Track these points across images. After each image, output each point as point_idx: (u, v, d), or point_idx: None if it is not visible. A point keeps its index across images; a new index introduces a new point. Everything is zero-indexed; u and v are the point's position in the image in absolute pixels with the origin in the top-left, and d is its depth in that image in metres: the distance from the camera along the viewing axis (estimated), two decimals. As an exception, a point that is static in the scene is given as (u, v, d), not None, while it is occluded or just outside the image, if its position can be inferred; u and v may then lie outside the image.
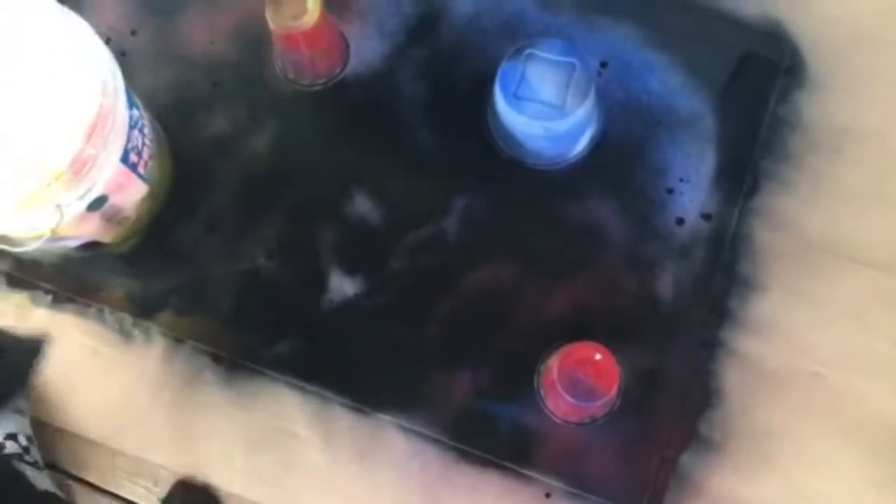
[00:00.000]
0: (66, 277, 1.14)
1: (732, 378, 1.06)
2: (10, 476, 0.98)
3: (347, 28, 1.19)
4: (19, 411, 1.07)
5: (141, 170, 1.05)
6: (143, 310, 1.13)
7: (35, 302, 1.14)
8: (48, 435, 1.09)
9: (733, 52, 1.17)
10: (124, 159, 1.00)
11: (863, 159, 1.12)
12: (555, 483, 1.05)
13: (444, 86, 1.18)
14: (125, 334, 1.12)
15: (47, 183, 0.89)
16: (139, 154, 1.04)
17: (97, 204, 1.01)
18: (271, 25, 1.08)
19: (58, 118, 0.90)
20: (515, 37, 1.15)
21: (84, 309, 1.13)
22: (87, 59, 0.93)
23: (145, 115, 1.07)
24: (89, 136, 0.90)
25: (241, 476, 1.07)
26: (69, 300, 1.14)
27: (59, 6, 0.95)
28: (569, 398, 0.95)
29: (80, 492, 1.08)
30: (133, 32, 1.22)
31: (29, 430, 1.06)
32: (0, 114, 0.90)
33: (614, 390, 0.96)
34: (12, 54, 0.91)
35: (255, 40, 1.20)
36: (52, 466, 1.08)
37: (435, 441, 1.07)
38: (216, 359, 1.11)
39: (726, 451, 1.04)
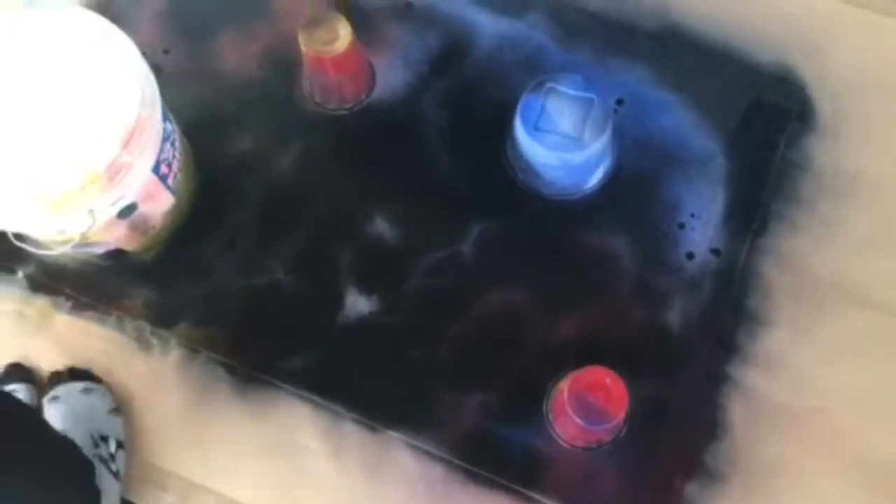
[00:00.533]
0: (87, 284, 1.17)
1: (738, 411, 1.08)
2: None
3: (375, 57, 1.24)
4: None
5: (170, 181, 1.09)
6: (162, 319, 1.15)
7: (56, 307, 1.16)
8: (62, 437, 1.11)
9: (746, 96, 1.21)
10: (156, 169, 1.03)
11: (871, 205, 1.15)
12: (559, 507, 1.06)
13: (465, 115, 1.22)
14: (143, 342, 1.14)
15: (83, 186, 0.92)
16: (169, 166, 1.07)
17: (127, 211, 1.04)
18: (304, 49, 1.13)
19: (99, 123, 0.93)
20: (535, 72, 1.19)
21: (104, 316, 1.16)
22: (128, 70, 0.97)
23: (176, 129, 1.11)
24: (127, 142, 0.94)
25: (251, 486, 1.08)
26: (90, 307, 1.16)
27: (104, 20, 0.99)
28: (578, 420, 0.97)
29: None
30: (166, 51, 1.27)
31: None
32: (46, 115, 0.94)
33: (623, 414, 0.98)
34: (60, 60, 0.96)
35: (285, 64, 1.24)
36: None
37: (442, 460, 1.08)
38: (231, 370, 1.13)
39: (731, 484, 1.06)
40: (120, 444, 1.07)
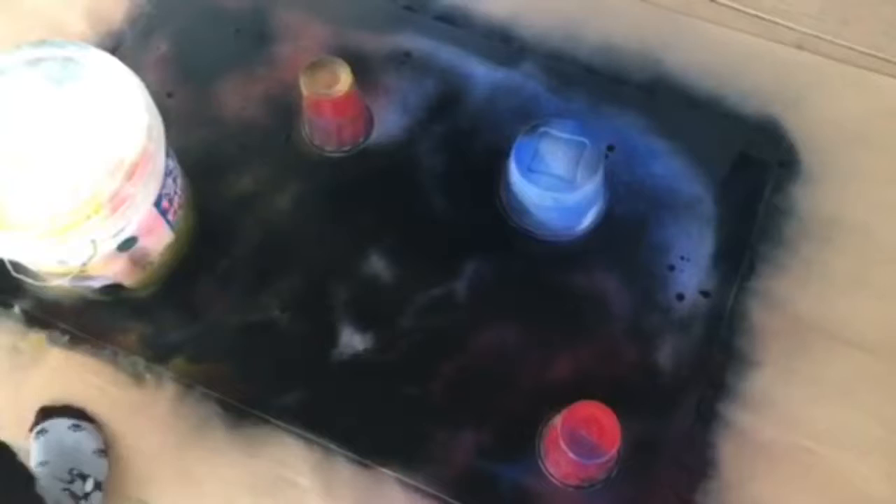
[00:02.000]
0: (83, 319, 1.17)
1: (728, 450, 1.09)
2: None
3: (373, 102, 1.27)
4: None
5: (170, 217, 1.11)
6: (157, 355, 1.16)
7: (51, 341, 1.17)
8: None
9: (732, 145, 1.25)
10: (157, 204, 1.05)
11: (852, 249, 1.19)
12: (551, 546, 1.06)
13: (460, 159, 1.25)
14: (137, 377, 1.14)
15: (87, 214, 0.94)
16: (170, 201, 1.09)
17: (127, 244, 1.05)
18: (305, 92, 1.16)
19: (105, 154, 0.96)
20: (529, 119, 1.21)
21: (99, 351, 1.16)
22: (135, 105, 1.00)
23: (177, 167, 1.13)
24: (131, 175, 0.96)
25: (242, 522, 1.07)
26: (85, 341, 1.17)
27: (114, 59, 1.03)
28: (571, 455, 0.97)
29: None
30: (169, 95, 1.30)
31: None
32: (55, 145, 0.97)
33: (615, 449, 0.98)
34: (71, 94, 1.00)
35: (285, 108, 1.28)
36: None
37: (435, 497, 1.08)
38: (224, 406, 1.13)
39: (721, 523, 1.06)
40: (98, 486, 1.06)
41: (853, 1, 1.34)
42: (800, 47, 1.32)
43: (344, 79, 1.16)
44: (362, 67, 1.24)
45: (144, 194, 1.01)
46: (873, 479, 1.08)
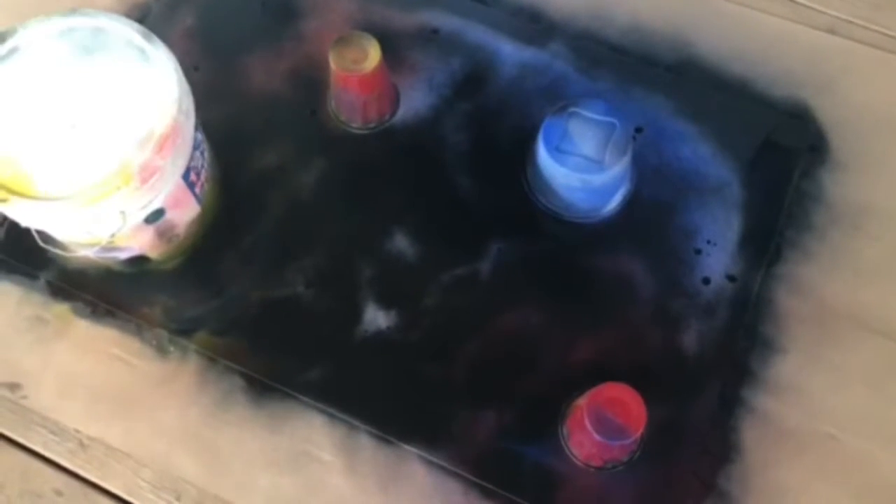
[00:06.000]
0: (108, 291, 1.18)
1: (751, 435, 1.09)
2: None
3: (400, 79, 1.27)
4: None
5: (197, 190, 1.11)
6: (181, 328, 1.16)
7: (76, 313, 1.17)
8: (76, 442, 1.11)
9: (761, 128, 1.24)
10: (185, 176, 1.05)
11: (881, 236, 1.18)
12: (572, 527, 1.06)
13: (486, 138, 1.24)
14: (161, 350, 1.15)
15: (117, 186, 0.94)
16: (198, 175, 1.09)
17: (154, 217, 1.05)
18: (333, 67, 1.15)
19: (136, 125, 0.96)
20: (556, 99, 1.21)
21: (123, 323, 1.16)
22: (166, 78, 0.99)
23: (205, 140, 1.13)
24: (161, 146, 0.96)
25: (264, 497, 1.08)
26: (109, 313, 1.17)
27: (145, 29, 1.02)
28: (596, 436, 0.97)
29: (102, 501, 1.08)
30: (196, 68, 1.29)
31: None
32: (86, 115, 0.97)
33: (640, 431, 0.98)
34: (102, 65, 1.00)
35: (311, 83, 1.27)
36: (75, 475, 1.09)
37: (457, 476, 1.08)
38: (248, 380, 1.13)
39: (743, 507, 1.06)
40: None
41: (887, -15, 1.33)
42: (831, 31, 1.31)
43: (372, 55, 1.15)
44: (389, 44, 1.24)
45: (173, 167, 1.01)
46: (897, 466, 1.08)
